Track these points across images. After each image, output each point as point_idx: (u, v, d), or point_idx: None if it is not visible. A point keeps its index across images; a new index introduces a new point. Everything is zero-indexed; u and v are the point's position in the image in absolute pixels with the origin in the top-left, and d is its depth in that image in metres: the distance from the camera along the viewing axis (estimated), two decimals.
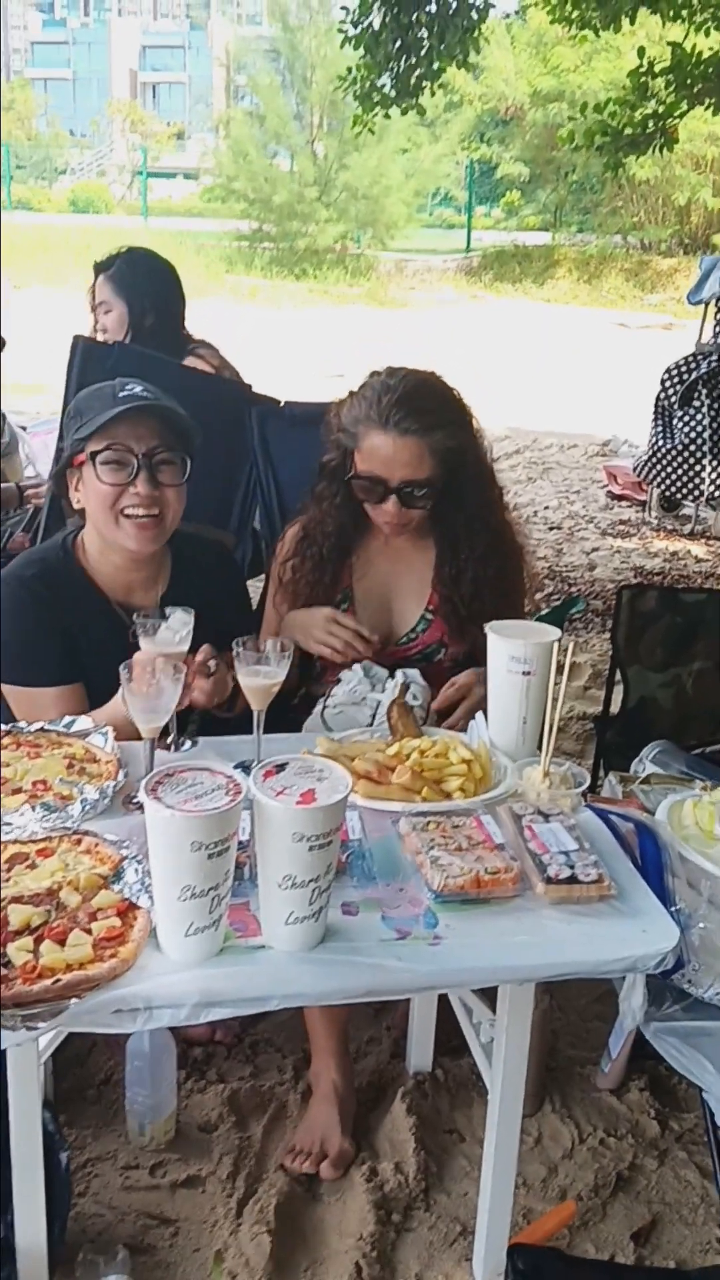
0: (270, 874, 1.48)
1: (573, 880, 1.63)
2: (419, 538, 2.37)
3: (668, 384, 6.43)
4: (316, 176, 20.69)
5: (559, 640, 1.96)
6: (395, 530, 2.29)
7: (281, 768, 1.52)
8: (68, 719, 1.99)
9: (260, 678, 1.87)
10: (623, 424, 8.87)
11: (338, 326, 15.14)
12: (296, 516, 2.47)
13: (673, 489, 6.53)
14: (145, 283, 3.27)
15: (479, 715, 2.07)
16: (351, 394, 2.30)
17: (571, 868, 1.65)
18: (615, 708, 2.92)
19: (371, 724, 2.13)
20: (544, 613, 4.52)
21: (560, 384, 11.56)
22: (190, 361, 3.25)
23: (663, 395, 6.47)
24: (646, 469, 6.61)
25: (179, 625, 1.91)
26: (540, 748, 1.91)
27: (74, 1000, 1.39)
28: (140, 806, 1.74)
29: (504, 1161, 1.78)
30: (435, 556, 2.36)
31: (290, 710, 2.30)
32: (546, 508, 7.09)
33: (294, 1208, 1.97)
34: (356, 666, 2.22)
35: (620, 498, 7.31)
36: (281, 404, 2.90)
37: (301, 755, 1.57)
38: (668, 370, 6.44)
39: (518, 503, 7.05)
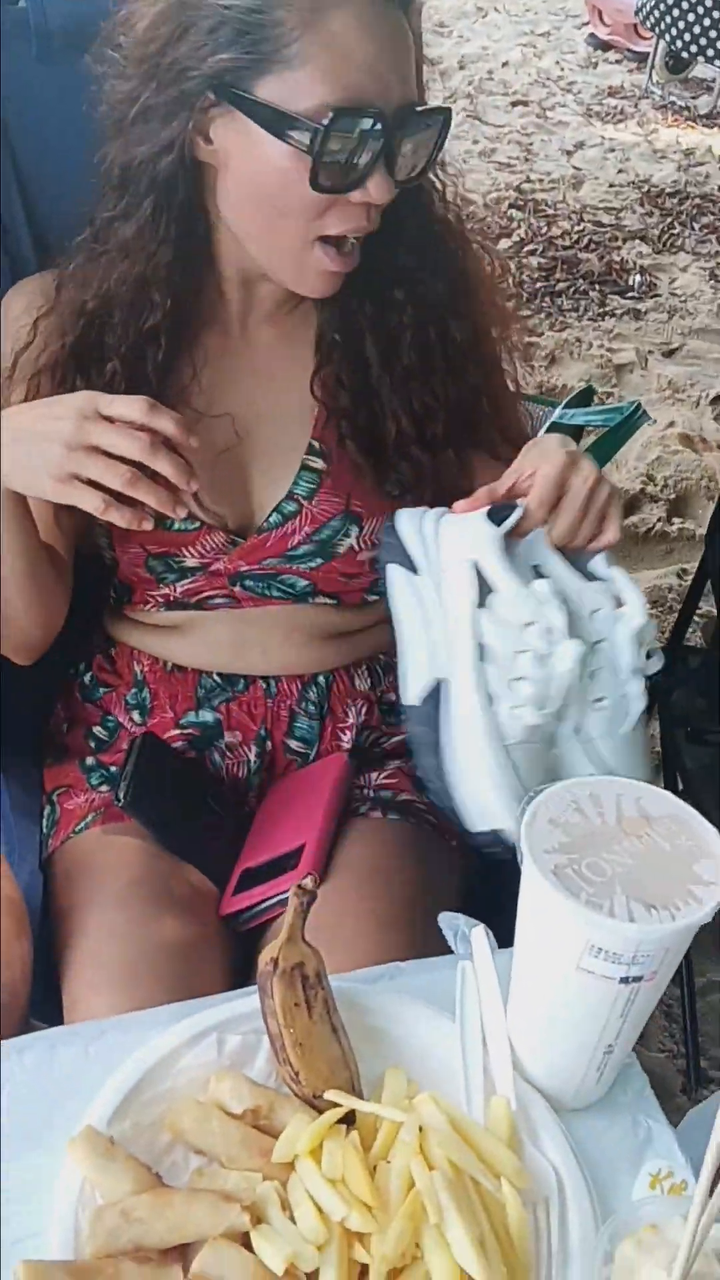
0: None
1: None
2: (300, 327, 1.17)
3: None
4: None
5: None
6: (347, 259, 1.05)
7: None
8: None
9: None
10: None
11: None
12: (48, 268, 1.16)
13: (684, 39, 4.65)
14: None
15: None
16: None
17: None
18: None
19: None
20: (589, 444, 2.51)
21: None
22: None
23: None
24: (651, 7, 4.69)
25: None
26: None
27: None
28: None
29: None
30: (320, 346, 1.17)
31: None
32: (505, 64, 5.13)
33: None
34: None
35: (607, 46, 5.39)
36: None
37: None
38: None
39: (463, 55, 5.12)
